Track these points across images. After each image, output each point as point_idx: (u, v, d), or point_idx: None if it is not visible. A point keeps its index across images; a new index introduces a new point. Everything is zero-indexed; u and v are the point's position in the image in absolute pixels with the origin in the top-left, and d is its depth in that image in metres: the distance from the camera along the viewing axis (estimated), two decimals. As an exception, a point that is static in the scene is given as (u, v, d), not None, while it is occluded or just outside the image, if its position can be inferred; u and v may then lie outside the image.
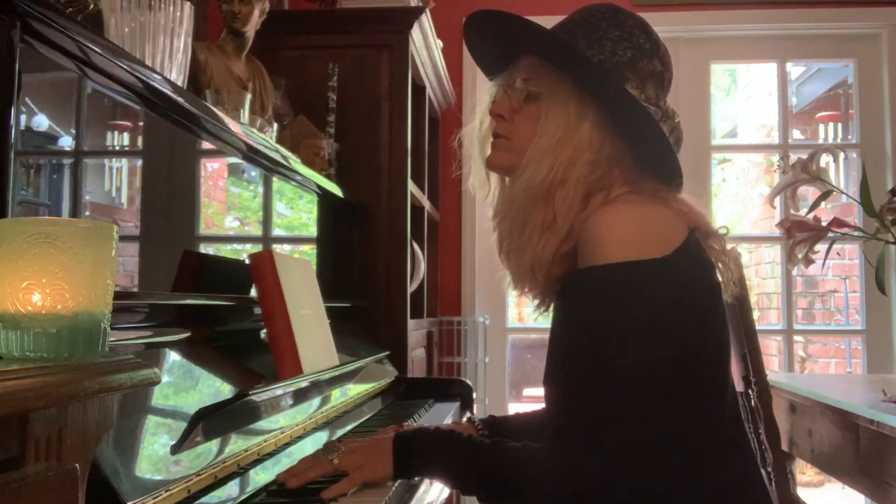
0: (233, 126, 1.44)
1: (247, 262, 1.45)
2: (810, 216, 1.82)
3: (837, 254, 3.97)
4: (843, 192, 1.91)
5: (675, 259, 1.03)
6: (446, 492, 1.43)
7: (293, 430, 1.34)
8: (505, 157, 1.18)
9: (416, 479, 1.20)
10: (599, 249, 1.03)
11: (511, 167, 1.16)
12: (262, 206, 1.68)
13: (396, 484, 1.15)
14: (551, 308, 1.19)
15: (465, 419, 1.44)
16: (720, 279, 1.11)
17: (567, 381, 1.07)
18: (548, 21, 1.20)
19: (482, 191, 1.29)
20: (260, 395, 1.27)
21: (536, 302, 1.21)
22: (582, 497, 1.02)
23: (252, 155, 1.57)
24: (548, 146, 1.10)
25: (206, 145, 1.39)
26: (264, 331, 1.44)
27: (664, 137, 1.11)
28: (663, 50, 1.17)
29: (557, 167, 1.09)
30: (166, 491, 0.91)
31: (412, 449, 1.11)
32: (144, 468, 0.92)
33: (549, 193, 1.09)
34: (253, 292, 1.45)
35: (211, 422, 1.09)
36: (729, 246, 1.16)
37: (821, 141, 4.25)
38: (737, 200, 5.62)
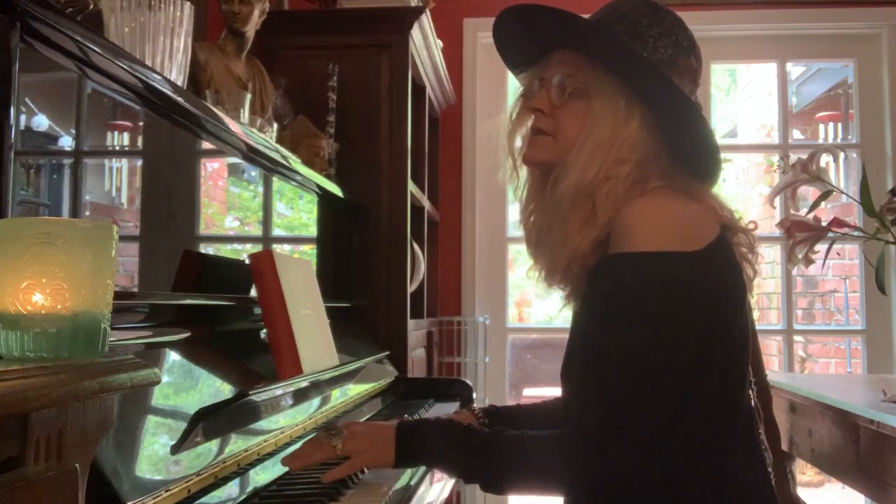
0: (233, 126, 1.44)
1: (247, 262, 1.45)
2: (810, 216, 1.82)
3: (837, 254, 3.97)
4: (843, 192, 1.91)
5: (705, 255, 1.03)
6: (446, 492, 1.43)
7: (293, 430, 1.34)
8: (547, 153, 1.16)
9: (417, 467, 1.20)
10: (630, 238, 1.03)
11: (552, 163, 1.15)
12: (262, 206, 1.68)
13: (395, 487, 1.15)
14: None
15: (465, 409, 1.44)
16: (746, 280, 1.11)
17: (587, 367, 1.07)
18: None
19: (512, 183, 1.27)
20: (260, 395, 1.27)
21: (566, 293, 1.20)
22: (599, 485, 1.02)
23: (252, 155, 1.57)
24: (596, 145, 1.10)
25: (206, 145, 1.39)
26: (264, 331, 1.44)
27: (710, 134, 1.11)
28: (698, 47, 1.18)
29: (605, 166, 1.09)
30: (166, 491, 0.91)
31: (414, 436, 1.11)
32: (144, 468, 0.92)
33: (593, 191, 1.09)
34: (253, 292, 1.45)
35: (211, 422, 1.09)
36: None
37: (821, 141, 4.25)
38: (737, 200, 5.61)
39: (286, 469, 1.15)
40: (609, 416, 1.00)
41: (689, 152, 1.13)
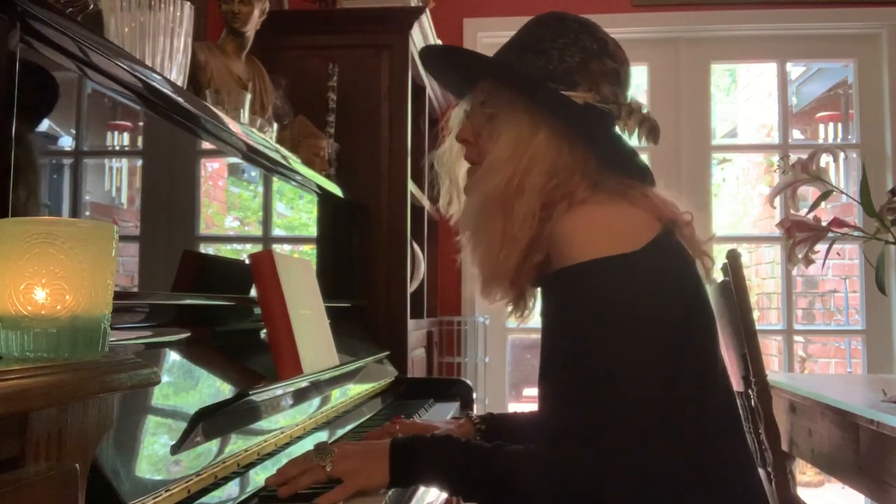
0: (233, 126, 1.44)
1: (247, 262, 1.45)
2: (810, 216, 1.82)
3: (837, 254, 3.97)
4: (843, 192, 1.91)
5: (645, 254, 1.04)
6: (445, 493, 1.43)
7: (293, 430, 1.34)
8: None
9: (412, 486, 1.17)
10: (567, 251, 1.04)
11: None
12: (262, 206, 1.68)
13: (391, 490, 1.14)
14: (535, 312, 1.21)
15: (463, 416, 1.44)
16: (697, 271, 1.12)
17: (554, 383, 1.08)
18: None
19: (452, 209, 1.32)
20: (260, 395, 1.27)
21: (510, 308, 1.23)
22: (578, 498, 1.01)
23: (252, 155, 1.57)
24: (501, 158, 1.12)
25: (206, 145, 1.39)
26: (264, 331, 1.44)
27: (617, 136, 1.13)
28: (613, 46, 1.18)
29: (513, 177, 1.11)
30: (166, 491, 0.91)
31: (409, 455, 1.08)
32: (144, 468, 0.92)
33: (505, 204, 1.11)
34: (253, 292, 1.45)
35: (211, 422, 1.09)
36: (727, 243, 1.17)
37: (821, 141, 4.25)
38: (737, 200, 5.62)
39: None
40: (582, 429, 1.01)
41: (615, 157, 1.15)
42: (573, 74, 1.13)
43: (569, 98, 1.12)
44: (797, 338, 4.09)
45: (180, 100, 1.24)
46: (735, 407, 1.15)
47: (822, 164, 1.82)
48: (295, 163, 1.80)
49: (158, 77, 1.19)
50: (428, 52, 1.25)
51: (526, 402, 4.09)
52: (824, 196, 1.83)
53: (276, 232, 1.78)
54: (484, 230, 1.14)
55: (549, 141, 1.12)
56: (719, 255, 1.56)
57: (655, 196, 1.14)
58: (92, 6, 1.24)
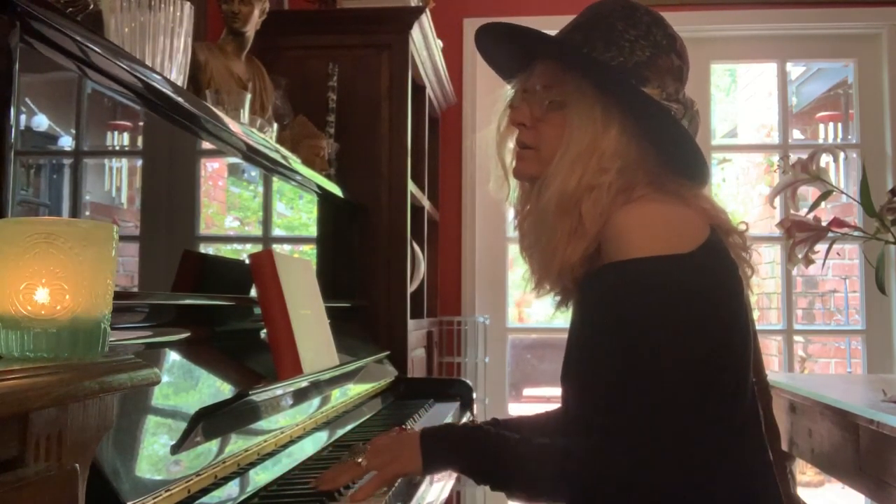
0: (233, 126, 1.44)
1: (247, 262, 1.45)
2: (810, 216, 1.82)
3: (837, 254, 3.97)
4: (843, 192, 1.91)
5: (699, 255, 1.03)
6: (446, 492, 1.43)
7: (293, 430, 1.34)
8: (533, 167, 1.18)
9: (445, 472, 1.20)
10: (624, 245, 1.03)
11: (538, 176, 1.17)
12: (262, 206, 1.68)
13: (395, 487, 1.15)
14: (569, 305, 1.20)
15: (467, 420, 1.44)
16: (743, 277, 1.12)
17: (591, 375, 1.07)
18: (553, 21, 1.19)
19: (502, 192, 1.29)
20: (260, 395, 1.27)
21: (558, 300, 1.21)
22: (609, 492, 1.02)
23: (252, 155, 1.57)
24: (576, 155, 1.10)
25: (206, 145, 1.39)
26: (264, 331, 1.44)
27: (689, 136, 1.11)
28: (680, 43, 1.17)
29: (586, 175, 1.09)
30: (166, 491, 0.91)
31: (441, 443, 1.12)
32: (144, 468, 0.92)
33: (578, 201, 1.10)
34: (253, 292, 1.45)
35: (211, 422, 1.09)
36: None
37: (821, 141, 4.24)
38: (737, 200, 5.61)
39: (286, 469, 1.15)
40: (617, 425, 1.01)
41: (675, 155, 1.13)
42: (643, 69, 1.12)
43: (648, 95, 1.11)
44: (797, 338, 4.09)
45: (180, 100, 1.24)
46: (757, 405, 1.16)
47: (822, 164, 1.82)
48: (295, 163, 1.80)
49: (158, 77, 1.19)
50: (490, 30, 1.18)
51: (526, 402, 4.10)
52: (824, 196, 1.83)
53: (276, 232, 1.78)
54: (554, 227, 1.12)
55: (621, 136, 1.10)
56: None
57: (706, 199, 1.14)
58: (92, 6, 1.24)
